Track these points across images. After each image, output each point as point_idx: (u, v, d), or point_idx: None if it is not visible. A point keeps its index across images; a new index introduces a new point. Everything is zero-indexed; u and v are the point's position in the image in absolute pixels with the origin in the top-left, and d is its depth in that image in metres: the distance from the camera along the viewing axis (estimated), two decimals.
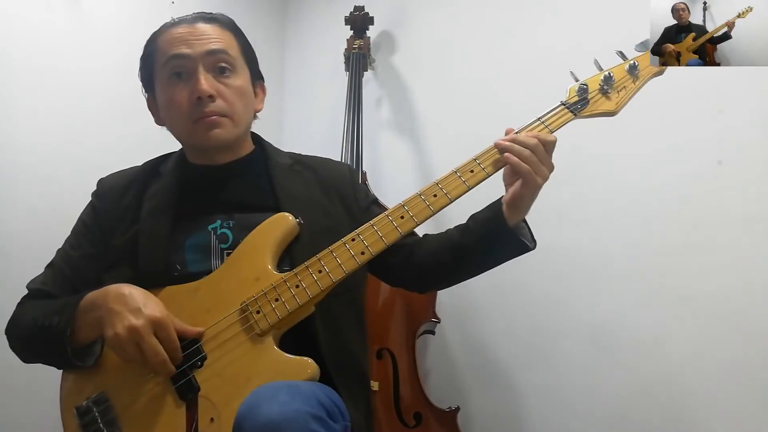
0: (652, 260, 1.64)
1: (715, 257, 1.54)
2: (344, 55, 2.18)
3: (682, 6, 1.07)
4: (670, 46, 1.08)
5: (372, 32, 2.22)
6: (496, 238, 1.14)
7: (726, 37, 1.05)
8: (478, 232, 1.17)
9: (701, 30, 1.06)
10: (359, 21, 2.16)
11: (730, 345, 1.50)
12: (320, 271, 1.07)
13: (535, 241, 1.17)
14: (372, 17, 2.18)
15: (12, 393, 1.80)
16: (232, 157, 1.25)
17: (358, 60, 2.12)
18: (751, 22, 1.03)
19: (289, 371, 1.00)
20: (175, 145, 1.31)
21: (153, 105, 1.28)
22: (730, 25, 1.04)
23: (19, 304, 1.21)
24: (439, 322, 1.90)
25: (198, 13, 1.23)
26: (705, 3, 1.07)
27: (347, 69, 2.15)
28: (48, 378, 1.84)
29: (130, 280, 1.09)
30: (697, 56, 1.08)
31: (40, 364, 1.21)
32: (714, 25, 1.06)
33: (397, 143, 2.25)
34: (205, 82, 1.15)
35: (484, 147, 1.15)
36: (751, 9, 1.02)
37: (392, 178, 2.19)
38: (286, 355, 1.03)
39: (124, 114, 2.13)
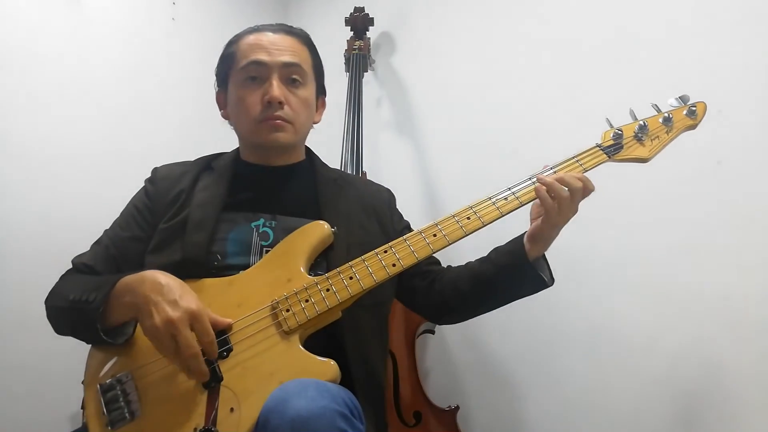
0: (651, 260, 1.64)
1: (715, 257, 1.53)
2: (344, 56, 2.20)
3: None
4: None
5: (372, 33, 2.25)
6: (516, 269, 1.20)
7: None
8: (499, 263, 1.23)
9: None
10: (359, 22, 2.17)
11: (730, 345, 1.50)
12: (351, 278, 1.10)
13: (553, 279, 1.23)
14: (372, 18, 2.20)
15: (12, 393, 1.82)
16: (284, 162, 1.33)
17: (358, 61, 2.15)
18: None
19: (312, 370, 1.02)
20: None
21: (222, 99, 1.35)
22: None
23: (62, 276, 1.24)
24: None
25: (280, 24, 1.32)
26: None
27: (347, 70, 2.17)
28: (48, 379, 1.86)
29: (173, 265, 1.12)
30: None
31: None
32: None
33: (397, 144, 2.27)
34: (278, 88, 1.23)
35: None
36: None
37: (392, 178, 2.17)
38: (310, 354, 1.05)
39: (125, 113, 2.14)
